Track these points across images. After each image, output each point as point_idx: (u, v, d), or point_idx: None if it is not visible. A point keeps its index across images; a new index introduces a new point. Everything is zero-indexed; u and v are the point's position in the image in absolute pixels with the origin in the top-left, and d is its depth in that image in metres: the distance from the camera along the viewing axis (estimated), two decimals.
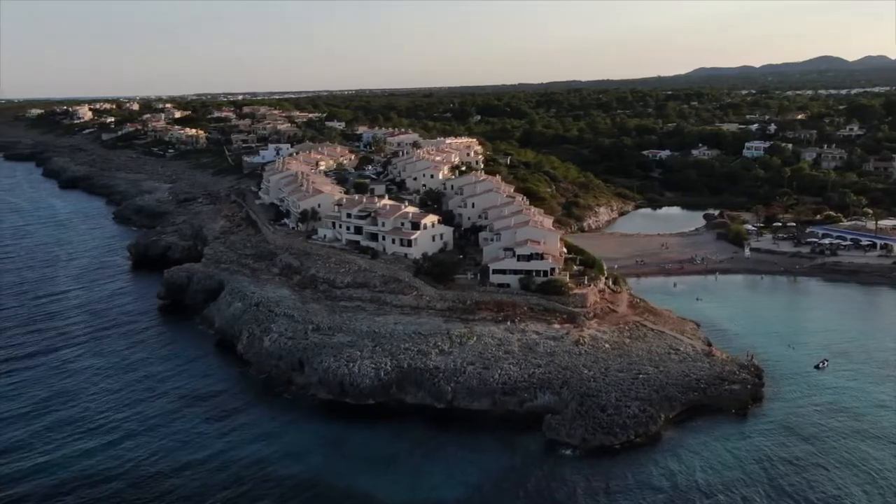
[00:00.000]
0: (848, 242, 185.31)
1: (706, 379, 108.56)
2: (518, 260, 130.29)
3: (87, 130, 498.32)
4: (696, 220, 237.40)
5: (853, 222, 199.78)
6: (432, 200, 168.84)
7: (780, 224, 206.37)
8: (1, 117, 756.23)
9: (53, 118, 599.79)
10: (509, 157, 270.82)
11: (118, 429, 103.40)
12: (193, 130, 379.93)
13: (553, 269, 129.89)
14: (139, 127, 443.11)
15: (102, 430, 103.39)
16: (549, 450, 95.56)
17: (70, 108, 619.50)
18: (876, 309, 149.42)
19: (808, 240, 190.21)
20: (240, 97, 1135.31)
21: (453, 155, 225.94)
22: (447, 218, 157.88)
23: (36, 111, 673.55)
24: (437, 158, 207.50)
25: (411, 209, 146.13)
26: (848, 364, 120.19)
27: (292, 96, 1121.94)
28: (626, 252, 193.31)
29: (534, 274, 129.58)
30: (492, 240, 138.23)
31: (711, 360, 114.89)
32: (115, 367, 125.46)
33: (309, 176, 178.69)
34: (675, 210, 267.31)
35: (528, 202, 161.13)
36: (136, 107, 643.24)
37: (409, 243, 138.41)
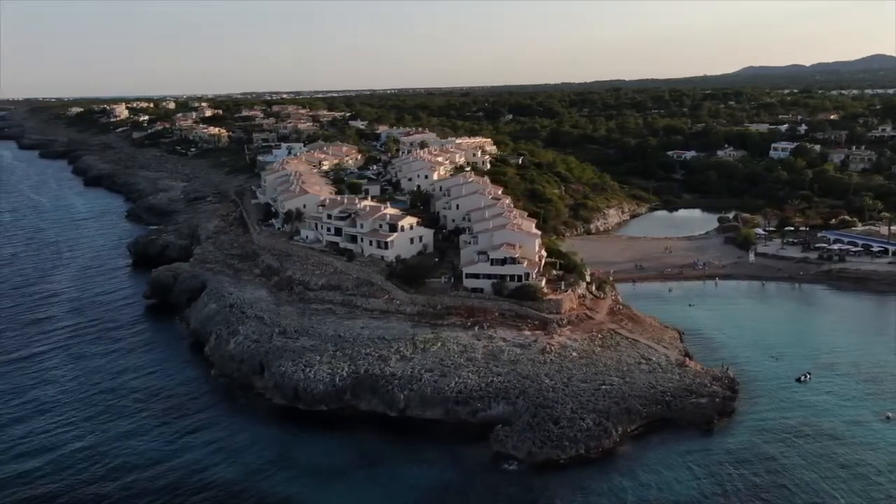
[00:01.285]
0: (858, 248, 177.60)
1: (673, 391, 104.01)
2: (491, 264, 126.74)
3: (119, 129, 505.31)
4: (711, 222, 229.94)
5: (867, 227, 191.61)
6: (421, 201, 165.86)
7: (791, 228, 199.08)
8: (43, 115, 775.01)
9: (91, 117, 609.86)
10: (521, 158, 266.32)
11: (64, 431, 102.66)
12: (216, 129, 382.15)
13: (528, 274, 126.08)
14: (167, 126, 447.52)
15: (49, 431, 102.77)
16: (494, 463, 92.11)
17: (107, 107, 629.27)
18: (876, 319, 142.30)
19: (817, 245, 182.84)
20: (284, 95, 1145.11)
21: (458, 155, 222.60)
22: (434, 220, 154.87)
23: (76, 110, 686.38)
24: (439, 159, 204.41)
25: (391, 211, 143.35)
26: (832, 377, 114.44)
27: (336, 95, 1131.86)
28: (628, 256, 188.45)
29: (507, 279, 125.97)
30: (470, 242, 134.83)
31: (683, 372, 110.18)
32: (83, 367, 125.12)
33: (301, 176, 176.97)
34: (693, 212, 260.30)
35: (511, 204, 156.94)
36: (171, 105, 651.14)
37: (386, 245, 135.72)
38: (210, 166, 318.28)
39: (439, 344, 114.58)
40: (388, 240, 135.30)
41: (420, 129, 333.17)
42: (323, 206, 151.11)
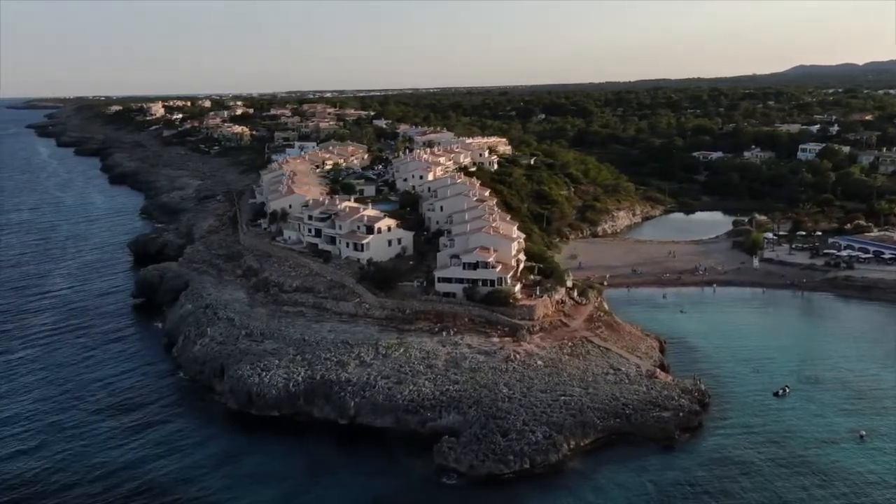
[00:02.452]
0: (868, 255, 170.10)
1: (635, 404, 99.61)
2: (464, 268, 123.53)
3: (152, 127, 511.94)
4: (728, 226, 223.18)
5: (881, 233, 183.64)
6: (410, 203, 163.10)
7: (803, 233, 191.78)
8: (87, 113, 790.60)
9: (128, 115, 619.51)
10: (534, 158, 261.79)
11: (16, 433, 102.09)
12: (239, 128, 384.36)
13: (500, 279, 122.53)
14: (195, 124, 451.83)
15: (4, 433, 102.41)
16: (437, 476, 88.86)
17: (144, 105, 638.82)
18: (874, 330, 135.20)
19: (826, 251, 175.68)
20: (328, 94, 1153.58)
21: (462, 155, 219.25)
22: (420, 221, 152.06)
23: (115, 108, 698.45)
24: (441, 159, 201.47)
25: (370, 212, 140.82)
26: (812, 392, 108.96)
27: (377, 93, 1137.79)
28: (630, 260, 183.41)
29: (479, 283, 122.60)
30: (448, 245, 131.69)
31: (651, 383, 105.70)
32: (51, 364, 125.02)
33: (295, 175, 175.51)
34: (712, 215, 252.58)
35: (496, 206, 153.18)
36: (207, 104, 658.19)
37: (361, 247, 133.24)
38: (228, 165, 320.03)
39: (402, 350, 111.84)
40: (364, 242, 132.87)
41: (438, 128, 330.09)
42: (307, 206, 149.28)
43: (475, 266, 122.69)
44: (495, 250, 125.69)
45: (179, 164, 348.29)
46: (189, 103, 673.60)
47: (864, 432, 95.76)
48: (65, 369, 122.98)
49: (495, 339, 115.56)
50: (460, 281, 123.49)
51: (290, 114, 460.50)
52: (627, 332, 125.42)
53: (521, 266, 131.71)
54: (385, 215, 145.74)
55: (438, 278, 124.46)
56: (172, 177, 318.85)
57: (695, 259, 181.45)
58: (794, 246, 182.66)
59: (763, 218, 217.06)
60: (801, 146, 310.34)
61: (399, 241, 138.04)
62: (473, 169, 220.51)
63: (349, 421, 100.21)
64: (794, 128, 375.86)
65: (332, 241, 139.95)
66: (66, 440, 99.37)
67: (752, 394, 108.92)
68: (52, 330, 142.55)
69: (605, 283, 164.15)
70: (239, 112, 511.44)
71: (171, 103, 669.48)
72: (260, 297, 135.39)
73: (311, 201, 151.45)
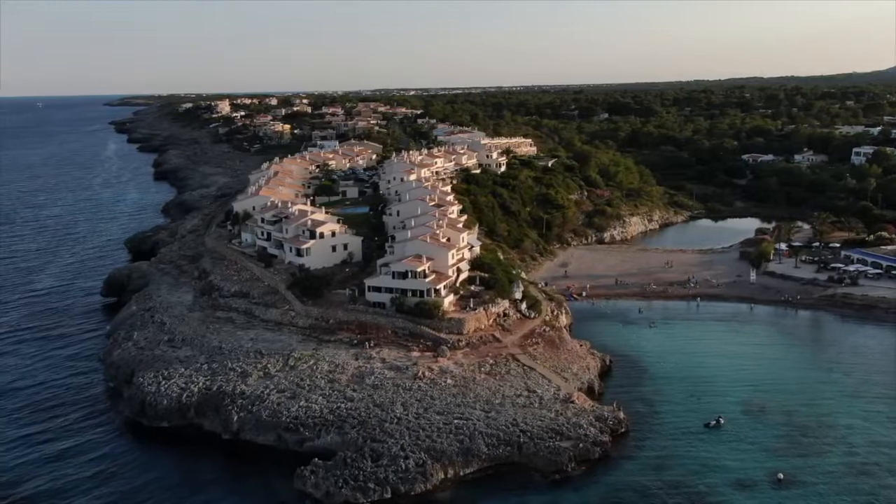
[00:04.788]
0: (878, 270, 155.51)
1: (535, 431, 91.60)
2: (393, 277, 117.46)
3: (212, 125, 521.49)
4: (751, 234, 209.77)
5: None
6: (377, 206, 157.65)
7: (819, 244, 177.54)
8: (164, 110, 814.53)
9: (196, 112, 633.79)
10: (554, 160, 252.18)
11: None
12: (280, 126, 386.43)
13: (430, 290, 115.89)
14: (246, 122, 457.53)
15: None
16: (296, 502, 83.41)
17: (212, 103, 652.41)
18: (854, 357, 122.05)
19: (833, 265, 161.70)
20: (412, 92, 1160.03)
21: (464, 157, 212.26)
22: (381, 226, 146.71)
23: (185, 105, 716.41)
24: (438, 161, 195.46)
25: (318, 216, 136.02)
26: (750, 424, 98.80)
27: (459, 91, 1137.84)
28: (624, 269, 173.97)
29: (409, 293, 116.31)
30: (389, 252, 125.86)
31: (563, 408, 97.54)
32: None
33: (277, 175, 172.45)
34: (744, 222, 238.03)
35: (455, 212, 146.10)
36: (274, 102, 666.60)
37: (301, 253, 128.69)
38: (262, 163, 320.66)
39: (312, 362, 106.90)
40: (304, 247, 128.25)
41: (469, 128, 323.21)
42: (263, 209, 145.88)
43: (404, 275, 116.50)
44: (430, 259, 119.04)
45: (218, 162, 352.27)
46: (257, 101, 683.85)
47: (782, 475, 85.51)
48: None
49: (414, 354, 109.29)
50: (389, 290, 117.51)
51: (341, 111, 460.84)
52: (569, 350, 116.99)
53: (462, 276, 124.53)
54: (339, 220, 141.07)
55: (369, 287, 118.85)
56: (206, 174, 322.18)
57: (692, 270, 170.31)
58: (802, 258, 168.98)
59: (799, 224, 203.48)
60: (855, 150, 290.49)
61: (345, 246, 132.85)
62: (477, 171, 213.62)
63: (232, 436, 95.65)
64: (859, 129, 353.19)
65: (281, 245, 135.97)
66: None
67: (682, 423, 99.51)
68: (10, 330, 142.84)
69: (584, 294, 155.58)
70: (296, 109, 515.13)
71: (239, 101, 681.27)
72: (202, 301, 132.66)
73: (269, 203, 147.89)
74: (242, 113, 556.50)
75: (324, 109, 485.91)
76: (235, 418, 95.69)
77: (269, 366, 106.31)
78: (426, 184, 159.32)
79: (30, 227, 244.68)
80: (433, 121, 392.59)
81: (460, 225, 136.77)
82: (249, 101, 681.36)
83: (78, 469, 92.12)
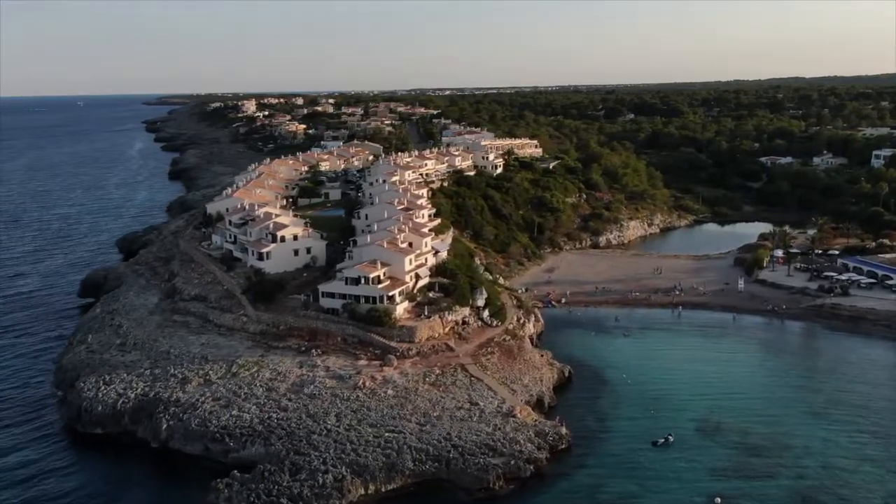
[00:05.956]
0: (871, 280, 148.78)
1: (467, 446, 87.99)
2: (346, 283, 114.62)
3: (235, 124, 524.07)
4: (754, 239, 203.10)
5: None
6: (350, 209, 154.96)
7: (812, 252, 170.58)
8: (194, 110, 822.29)
9: (222, 112, 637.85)
10: (555, 162, 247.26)
11: None
12: (295, 126, 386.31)
13: (383, 297, 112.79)
14: (265, 122, 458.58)
15: None
16: None
17: (238, 103, 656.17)
18: (828, 373, 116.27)
19: (826, 274, 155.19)
20: (447, 92, 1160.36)
21: (458, 159, 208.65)
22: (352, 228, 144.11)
23: (213, 105, 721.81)
24: (429, 163, 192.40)
25: (282, 219, 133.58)
26: (700, 444, 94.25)
27: (493, 91, 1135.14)
28: (611, 275, 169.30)
29: (361, 300, 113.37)
30: (349, 257, 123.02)
31: (503, 422, 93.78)
32: None
33: (260, 177, 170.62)
34: (751, 226, 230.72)
35: (426, 216, 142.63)
36: (300, 101, 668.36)
37: (262, 256, 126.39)
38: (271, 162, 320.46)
39: (255, 369, 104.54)
40: (265, 251, 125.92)
41: (476, 129, 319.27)
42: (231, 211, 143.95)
43: (357, 281, 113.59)
44: (386, 265, 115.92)
45: (231, 162, 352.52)
46: (283, 100, 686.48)
47: (719, 499, 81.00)
48: None
49: (361, 363, 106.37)
50: (343, 296, 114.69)
51: (360, 111, 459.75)
52: (526, 361, 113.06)
53: (421, 282, 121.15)
54: (307, 223, 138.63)
55: (322, 293, 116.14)
56: (217, 174, 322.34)
57: (681, 276, 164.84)
58: (796, 266, 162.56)
59: (794, 231, 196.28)
60: (875, 152, 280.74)
61: (308, 250, 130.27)
62: (471, 173, 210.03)
63: (160, 445, 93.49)
64: (883, 131, 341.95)
65: (245, 248, 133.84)
66: None
67: (629, 441, 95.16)
68: None
69: (563, 301, 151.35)
70: (318, 109, 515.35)
71: (266, 100, 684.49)
72: (165, 304, 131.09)
73: (238, 206, 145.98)
74: (265, 113, 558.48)
75: (342, 109, 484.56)
76: (164, 426, 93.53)
77: (210, 372, 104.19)
78: (400, 187, 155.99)
79: (33, 227, 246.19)
80: (448, 121, 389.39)
81: (427, 229, 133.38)
82: (276, 100, 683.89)
83: (3, 474, 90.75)
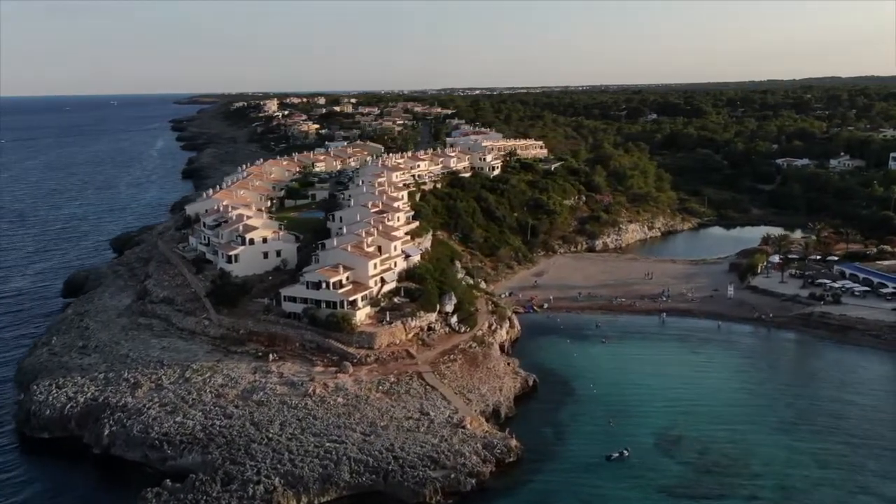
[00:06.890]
0: (865, 288, 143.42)
1: (409, 458, 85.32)
2: (307, 287, 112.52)
3: (255, 124, 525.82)
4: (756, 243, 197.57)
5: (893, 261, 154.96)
6: (329, 210, 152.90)
7: (805, 257, 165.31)
8: (219, 109, 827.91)
9: (244, 111, 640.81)
10: (557, 163, 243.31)
11: None
12: (307, 126, 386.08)
13: (343, 302, 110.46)
14: (281, 122, 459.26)
15: None
16: None
17: (261, 102, 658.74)
18: (806, 387, 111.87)
19: (819, 281, 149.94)
20: (476, 92, 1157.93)
21: (453, 160, 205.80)
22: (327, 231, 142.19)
23: (236, 104, 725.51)
24: (421, 164, 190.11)
25: (253, 221, 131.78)
26: (657, 458, 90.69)
27: (522, 91, 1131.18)
28: (600, 280, 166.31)
29: (321, 305, 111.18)
30: (316, 261, 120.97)
31: (451, 433, 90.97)
32: None
33: (247, 178, 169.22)
34: (758, 230, 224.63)
35: (402, 219, 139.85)
36: (321, 101, 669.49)
37: (231, 259, 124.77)
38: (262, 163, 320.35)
39: (208, 374, 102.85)
40: (233, 253, 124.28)
41: (485, 129, 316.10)
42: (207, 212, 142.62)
43: (318, 285, 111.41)
44: (349, 269, 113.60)
45: (242, 161, 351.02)
46: (305, 100, 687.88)
47: None
48: None
49: (317, 369, 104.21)
50: (304, 301, 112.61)
51: (377, 111, 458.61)
52: (489, 369, 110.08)
53: (387, 287, 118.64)
54: (281, 225, 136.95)
55: (284, 297, 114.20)
56: (226, 173, 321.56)
57: (672, 282, 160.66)
58: (790, 272, 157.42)
59: (794, 236, 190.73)
60: (893, 154, 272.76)
61: (278, 253, 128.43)
62: (467, 175, 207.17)
63: (102, 451, 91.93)
64: None
65: (216, 251, 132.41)
66: None
67: (584, 454, 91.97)
68: None
69: (545, 306, 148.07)
70: (349, 109, 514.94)
71: (288, 100, 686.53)
72: (135, 306, 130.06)
73: (214, 207, 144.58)
74: (285, 112, 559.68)
75: (359, 109, 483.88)
76: (106, 432, 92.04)
77: (163, 377, 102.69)
78: (377, 189, 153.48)
79: (37, 227, 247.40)
80: (461, 121, 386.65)
81: (401, 232, 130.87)
82: (298, 100, 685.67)
83: None
